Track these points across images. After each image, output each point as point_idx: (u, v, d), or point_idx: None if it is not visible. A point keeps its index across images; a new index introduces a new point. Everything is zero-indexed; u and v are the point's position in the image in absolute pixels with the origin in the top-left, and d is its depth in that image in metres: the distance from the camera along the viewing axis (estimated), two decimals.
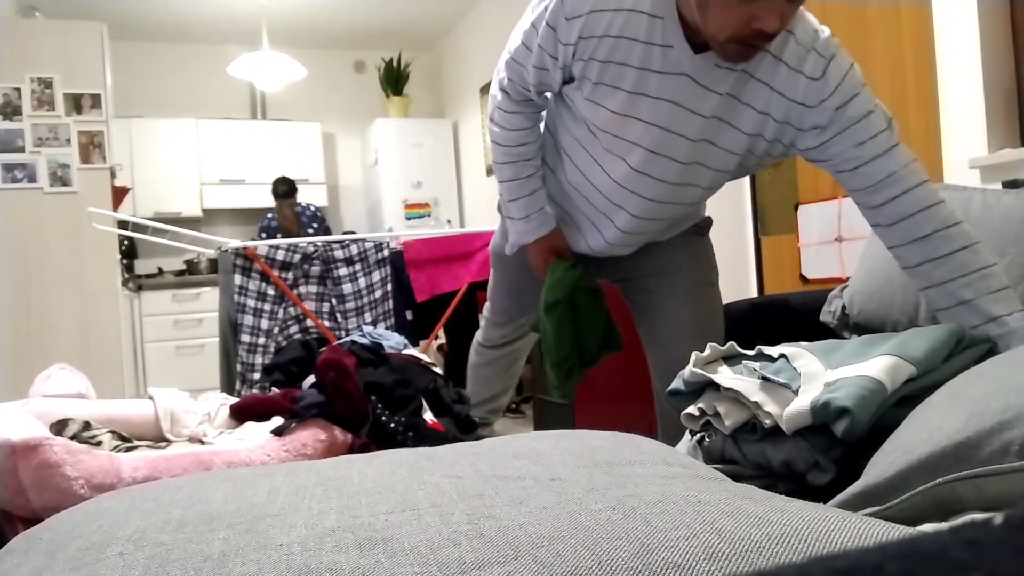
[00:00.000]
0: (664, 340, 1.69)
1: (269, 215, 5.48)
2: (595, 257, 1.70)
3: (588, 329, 1.60)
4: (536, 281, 1.73)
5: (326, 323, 3.36)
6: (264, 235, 5.35)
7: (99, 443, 1.62)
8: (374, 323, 3.42)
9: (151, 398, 1.89)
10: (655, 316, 1.69)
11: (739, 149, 1.42)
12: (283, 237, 5.13)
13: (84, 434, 1.63)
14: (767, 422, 1.09)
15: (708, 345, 1.26)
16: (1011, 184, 1.99)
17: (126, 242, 5.28)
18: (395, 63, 6.27)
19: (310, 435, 1.74)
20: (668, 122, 1.40)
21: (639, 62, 1.37)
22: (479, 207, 5.86)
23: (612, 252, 1.64)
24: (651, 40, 1.35)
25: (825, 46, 1.31)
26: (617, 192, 1.51)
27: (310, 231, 5.41)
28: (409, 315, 3.56)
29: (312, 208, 5.56)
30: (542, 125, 1.68)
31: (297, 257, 3.32)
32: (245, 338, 3.20)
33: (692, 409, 1.22)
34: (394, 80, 6.28)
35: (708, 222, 1.78)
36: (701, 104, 1.37)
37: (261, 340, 3.23)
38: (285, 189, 5.40)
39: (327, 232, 5.52)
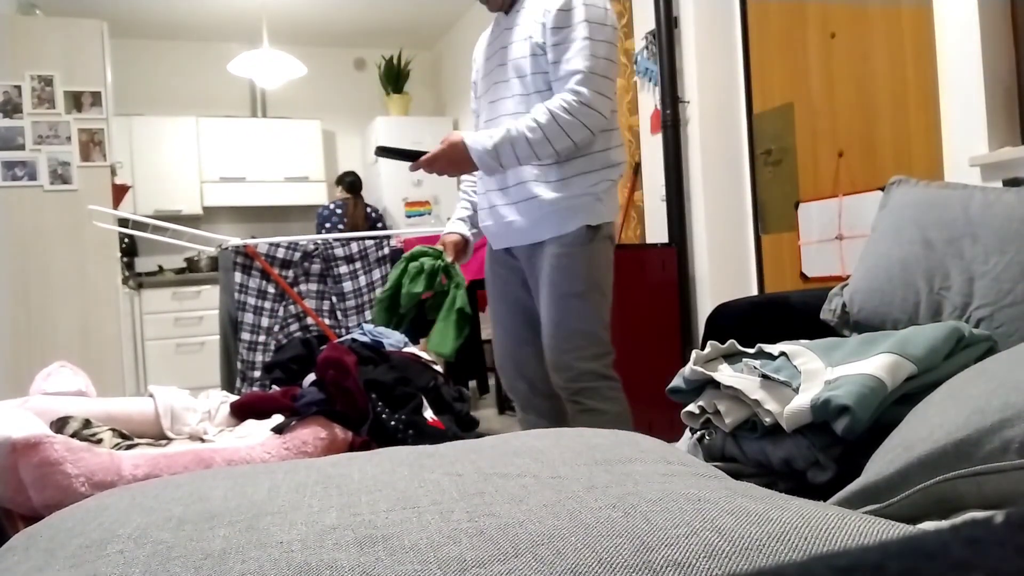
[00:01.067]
0: (543, 342, 1.98)
1: (331, 206, 5.36)
2: (516, 267, 2.07)
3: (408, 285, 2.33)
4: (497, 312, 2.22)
5: (326, 321, 3.36)
6: (327, 225, 5.23)
7: (99, 441, 1.62)
8: (374, 321, 3.42)
9: (151, 396, 1.89)
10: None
11: (524, 53, 1.92)
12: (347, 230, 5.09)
13: (84, 432, 1.63)
14: (767, 420, 1.09)
15: (708, 344, 1.26)
16: (1012, 182, 1.99)
17: (126, 240, 5.28)
18: (395, 61, 6.26)
19: (310, 433, 1.75)
20: (495, 62, 2.03)
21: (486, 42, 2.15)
22: None
23: (493, 202, 2.03)
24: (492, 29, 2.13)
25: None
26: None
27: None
28: None
29: (371, 209, 5.51)
30: None
31: (297, 255, 3.32)
32: (245, 336, 3.20)
33: (692, 407, 1.22)
34: (394, 78, 6.27)
35: (578, 236, 1.91)
36: (502, 40, 2.02)
37: (261, 338, 3.23)
38: (360, 185, 5.37)
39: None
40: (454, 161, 1.86)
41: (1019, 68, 2.19)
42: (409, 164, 1.91)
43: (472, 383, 4.51)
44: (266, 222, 6.20)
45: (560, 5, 1.83)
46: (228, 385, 3.25)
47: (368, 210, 5.50)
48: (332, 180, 6.50)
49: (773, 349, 1.22)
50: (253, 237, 3.81)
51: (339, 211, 5.30)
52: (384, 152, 1.93)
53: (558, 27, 1.83)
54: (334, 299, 3.41)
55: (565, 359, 1.90)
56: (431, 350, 2.21)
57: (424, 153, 1.88)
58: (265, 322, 3.24)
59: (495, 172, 1.91)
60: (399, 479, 0.81)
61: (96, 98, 4.10)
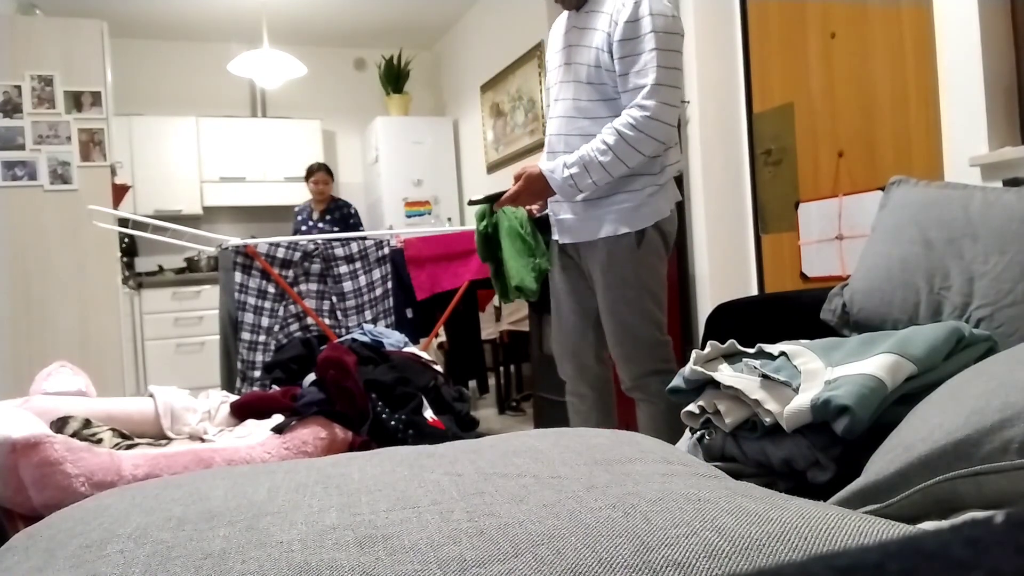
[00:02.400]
0: (608, 343, 2.10)
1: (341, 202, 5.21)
2: (575, 260, 2.12)
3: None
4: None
5: (326, 321, 3.36)
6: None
7: (99, 441, 1.62)
8: (374, 321, 3.42)
9: (151, 396, 1.89)
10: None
11: (587, 61, 1.96)
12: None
13: (84, 432, 1.63)
14: (767, 420, 1.09)
15: (708, 343, 1.26)
16: (1012, 182, 1.99)
17: (126, 240, 5.27)
18: (395, 61, 6.26)
19: (310, 433, 1.75)
20: (561, 59, 2.06)
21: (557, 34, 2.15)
22: None
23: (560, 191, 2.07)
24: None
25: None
26: (551, 125, 2.10)
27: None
28: (409, 313, 3.56)
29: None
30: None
31: (297, 255, 3.32)
32: (246, 336, 3.20)
33: (692, 407, 1.22)
34: (394, 78, 6.27)
35: (626, 241, 1.98)
36: (570, 39, 2.04)
37: (262, 338, 3.23)
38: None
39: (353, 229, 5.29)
40: (536, 192, 1.98)
41: (1019, 68, 2.19)
42: (493, 204, 2.11)
43: (472, 383, 4.51)
44: (266, 222, 6.20)
45: (628, 16, 1.87)
46: (228, 385, 3.26)
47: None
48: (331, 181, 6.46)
49: (773, 349, 1.22)
50: (253, 237, 3.81)
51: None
52: (475, 202, 2.20)
53: (626, 39, 1.88)
54: (334, 299, 3.41)
55: (623, 363, 2.04)
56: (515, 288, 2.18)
57: (503, 193, 2.03)
58: (265, 322, 3.24)
59: (573, 197, 1.98)
60: (399, 479, 0.81)
61: (96, 98, 4.10)
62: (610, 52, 1.91)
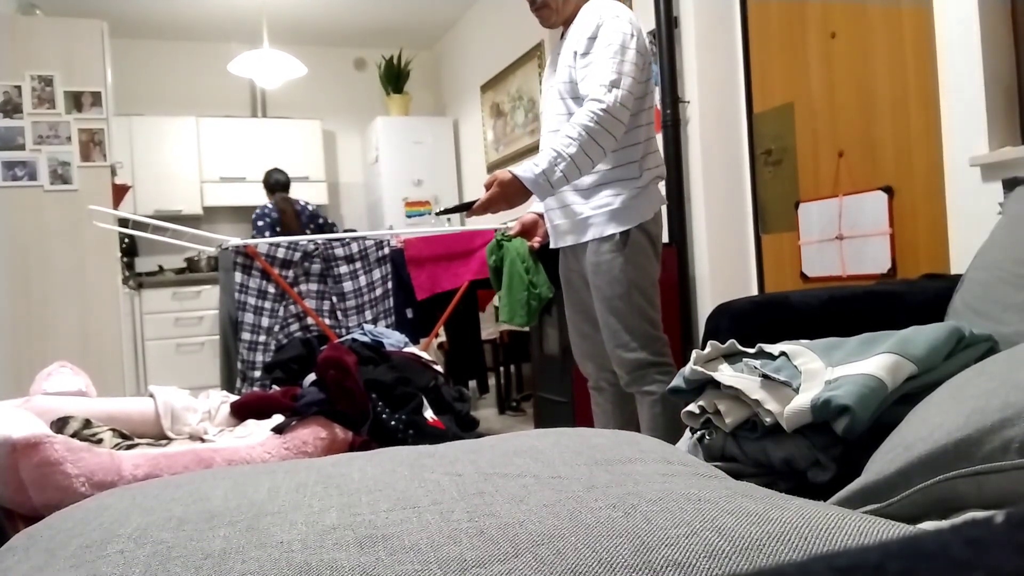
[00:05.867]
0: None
1: (267, 207, 5.19)
2: (573, 264, 2.25)
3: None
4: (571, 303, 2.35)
5: (327, 321, 3.36)
6: (261, 224, 5.01)
7: (100, 441, 1.62)
8: (374, 321, 3.42)
9: (151, 396, 1.89)
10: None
11: (565, 79, 2.11)
12: (283, 232, 4.95)
13: (85, 432, 1.63)
14: (768, 420, 1.09)
15: (709, 343, 1.26)
16: (1011, 182, 1.99)
17: (127, 240, 5.27)
18: (395, 61, 6.26)
19: (310, 433, 1.75)
20: (549, 82, 2.23)
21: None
22: None
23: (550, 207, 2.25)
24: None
25: (605, 17, 2.06)
26: (543, 140, 2.25)
27: (308, 231, 5.22)
28: (409, 313, 3.56)
29: (310, 206, 5.34)
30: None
31: (298, 255, 3.32)
32: (246, 336, 3.20)
33: (693, 407, 1.22)
34: (394, 78, 6.27)
35: (612, 242, 2.08)
36: (554, 64, 2.22)
37: (262, 338, 3.23)
38: (284, 180, 5.14)
39: (330, 230, 5.28)
40: (509, 197, 1.99)
41: (1019, 68, 2.19)
42: (465, 213, 2.12)
43: (472, 383, 4.51)
44: None
45: (590, 33, 2.04)
46: (228, 385, 3.26)
47: (309, 208, 5.23)
48: (332, 180, 6.48)
49: (773, 349, 1.22)
50: (253, 237, 3.80)
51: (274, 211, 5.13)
52: (444, 212, 2.24)
53: (588, 52, 2.05)
54: (334, 299, 3.41)
55: (616, 355, 2.12)
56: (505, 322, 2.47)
57: (475, 201, 2.03)
58: (265, 322, 3.24)
59: (549, 195, 2.04)
60: (399, 479, 0.81)
61: (96, 98, 4.10)
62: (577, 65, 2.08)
